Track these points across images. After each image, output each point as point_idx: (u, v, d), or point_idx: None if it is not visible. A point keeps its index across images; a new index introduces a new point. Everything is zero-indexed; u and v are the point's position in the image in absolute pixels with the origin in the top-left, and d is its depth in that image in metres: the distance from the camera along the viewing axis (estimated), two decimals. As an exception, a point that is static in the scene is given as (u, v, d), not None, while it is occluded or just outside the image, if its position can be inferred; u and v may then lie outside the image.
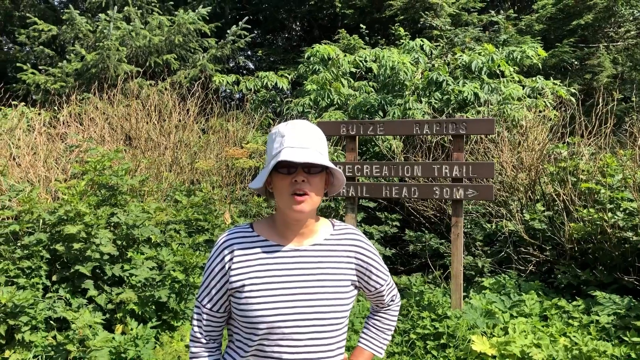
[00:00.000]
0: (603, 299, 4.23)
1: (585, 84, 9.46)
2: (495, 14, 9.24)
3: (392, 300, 1.77)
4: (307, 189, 1.46)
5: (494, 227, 5.44)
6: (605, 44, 9.97)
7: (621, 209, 4.61)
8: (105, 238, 3.85)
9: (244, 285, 1.49)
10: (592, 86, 9.26)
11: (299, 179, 1.45)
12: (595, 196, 4.91)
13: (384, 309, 1.79)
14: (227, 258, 1.53)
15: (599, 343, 3.78)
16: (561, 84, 7.04)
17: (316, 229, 1.59)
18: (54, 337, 3.56)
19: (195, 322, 1.59)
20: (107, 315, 3.83)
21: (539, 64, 7.19)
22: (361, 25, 9.14)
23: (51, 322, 3.63)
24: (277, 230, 1.56)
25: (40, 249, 3.84)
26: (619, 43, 10.15)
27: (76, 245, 3.69)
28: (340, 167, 4.64)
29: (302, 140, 1.47)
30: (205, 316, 1.57)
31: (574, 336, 3.94)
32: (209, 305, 1.55)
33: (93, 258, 3.79)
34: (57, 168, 5.14)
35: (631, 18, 10.20)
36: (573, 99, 6.78)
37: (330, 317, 1.50)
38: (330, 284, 1.53)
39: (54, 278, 3.79)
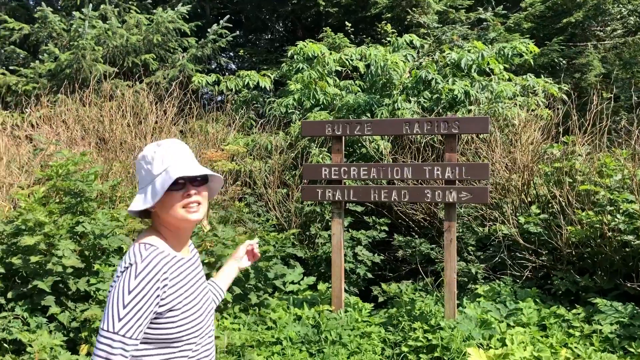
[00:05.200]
0: (604, 306, 4.01)
1: (574, 83, 9.28)
2: (483, 12, 9.03)
3: None
4: (198, 200, 1.60)
5: (486, 230, 5.20)
6: (594, 43, 9.82)
7: (621, 211, 4.39)
8: (68, 250, 3.50)
9: (174, 303, 1.55)
10: (581, 85, 9.09)
11: (192, 193, 1.58)
12: (593, 198, 4.69)
13: None
14: (161, 283, 1.53)
15: (603, 355, 3.55)
16: (552, 82, 6.83)
17: None
18: (10, 361, 3.22)
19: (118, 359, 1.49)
20: (72, 335, 3.49)
21: (531, 60, 6.98)
22: (346, 23, 8.87)
23: (5, 345, 3.28)
24: (171, 243, 1.64)
25: (-4, 262, 3.49)
26: (607, 42, 10.00)
27: (34, 258, 3.35)
28: (326, 170, 4.38)
29: (181, 156, 1.58)
30: (130, 348, 1.50)
31: (576, 347, 3.71)
32: (139, 336, 1.51)
33: (54, 272, 3.45)
34: (21, 173, 4.78)
35: (618, 16, 10.04)
36: (565, 97, 6.57)
37: (214, 305, 1.83)
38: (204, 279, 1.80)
39: (10, 295, 3.43)
